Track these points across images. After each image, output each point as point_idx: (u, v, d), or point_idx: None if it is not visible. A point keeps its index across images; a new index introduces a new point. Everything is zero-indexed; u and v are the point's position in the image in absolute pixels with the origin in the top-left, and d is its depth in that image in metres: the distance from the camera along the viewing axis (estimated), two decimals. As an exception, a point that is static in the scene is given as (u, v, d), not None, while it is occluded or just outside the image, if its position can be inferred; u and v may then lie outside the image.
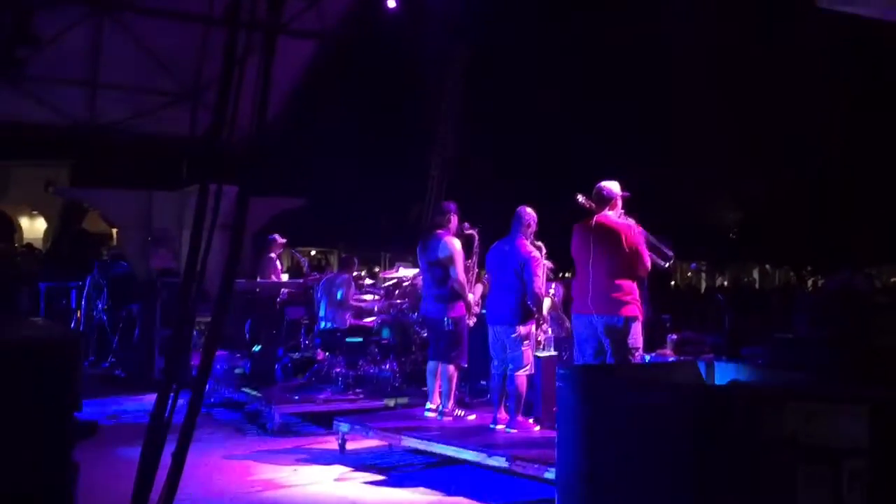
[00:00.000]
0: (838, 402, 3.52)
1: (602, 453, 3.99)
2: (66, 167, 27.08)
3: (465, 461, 7.06)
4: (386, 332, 10.22)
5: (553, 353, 8.11)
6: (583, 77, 24.25)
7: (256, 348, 10.66)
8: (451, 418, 8.02)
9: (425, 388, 8.54)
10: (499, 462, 6.67)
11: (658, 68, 24.05)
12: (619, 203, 7.10)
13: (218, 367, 10.27)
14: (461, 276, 8.00)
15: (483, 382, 8.97)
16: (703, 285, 33.10)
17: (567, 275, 10.71)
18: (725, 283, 34.36)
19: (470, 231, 8.30)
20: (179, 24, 12.22)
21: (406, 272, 10.86)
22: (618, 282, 6.81)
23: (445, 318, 8.04)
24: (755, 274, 37.59)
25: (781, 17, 22.78)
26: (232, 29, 4.02)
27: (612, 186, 7.12)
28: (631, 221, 7.01)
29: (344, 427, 7.86)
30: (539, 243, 7.74)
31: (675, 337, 8.86)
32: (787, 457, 3.44)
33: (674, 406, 3.79)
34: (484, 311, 8.25)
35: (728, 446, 3.53)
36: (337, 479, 7.11)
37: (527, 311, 7.53)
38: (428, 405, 8.22)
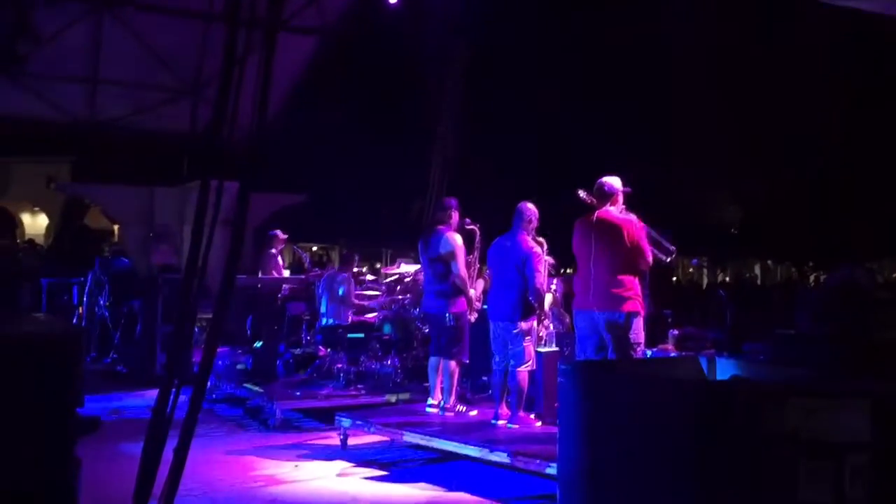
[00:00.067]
0: (840, 398, 3.53)
1: (604, 449, 3.99)
2: (68, 163, 27.10)
3: (466, 457, 7.06)
4: (387, 328, 10.22)
5: (554, 348, 8.10)
6: (583, 75, 24.24)
7: (258, 344, 10.66)
8: (452, 414, 8.02)
9: (427, 384, 8.54)
10: (500, 457, 6.67)
11: (658, 66, 24.05)
12: (621, 198, 7.09)
13: (219, 363, 10.28)
14: (462, 271, 7.99)
15: (484, 378, 8.97)
16: (705, 281, 33.10)
17: (569, 271, 10.72)
18: (727, 278, 34.35)
19: (471, 227, 8.30)
20: (180, 21, 12.22)
21: (407, 268, 10.86)
22: (619, 277, 6.81)
23: (447, 314, 8.04)
24: (756, 269, 37.59)
25: (781, 15, 22.77)
26: (232, 26, 4.02)
27: (614, 182, 7.11)
28: (632, 216, 7.00)
29: (345, 423, 7.87)
30: (540, 239, 7.73)
31: (676, 332, 8.85)
32: (789, 452, 3.44)
33: (675, 401, 3.80)
34: (485, 307, 8.25)
35: (729, 442, 3.53)
36: (338, 475, 7.12)
37: (528, 306, 7.53)
38: (429, 401, 8.22)
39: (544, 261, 7.66)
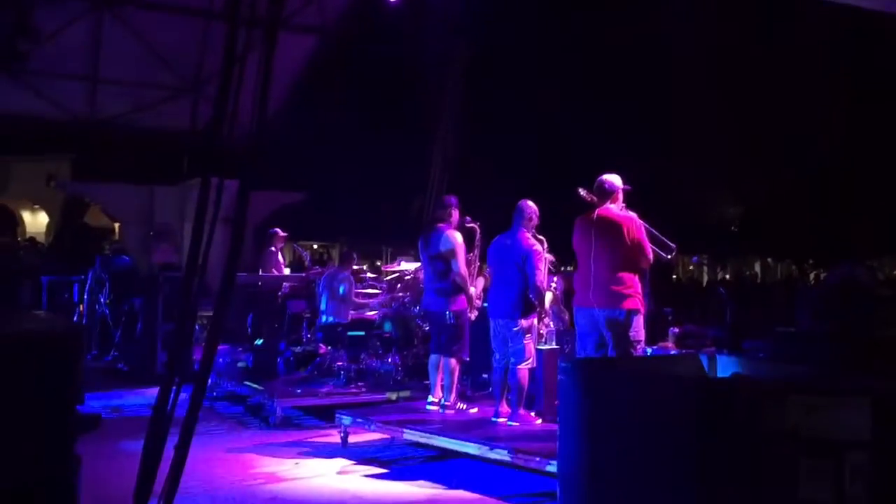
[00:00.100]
0: (840, 395, 3.52)
1: (604, 446, 3.99)
2: (68, 161, 27.08)
3: (466, 454, 7.06)
4: (388, 326, 10.23)
5: (555, 346, 8.11)
6: (583, 74, 24.24)
7: (258, 342, 10.67)
8: (452, 411, 8.03)
9: (427, 382, 8.54)
10: (501, 455, 6.67)
11: (658, 65, 24.04)
12: (621, 196, 7.09)
13: (220, 360, 10.29)
14: (463, 269, 8.00)
15: (485, 376, 8.97)
16: (705, 278, 33.11)
17: (569, 268, 10.71)
18: (727, 276, 34.36)
19: (471, 225, 8.30)
20: (180, 19, 12.22)
21: (408, 266, 10.87)
22: (619, 275, 6.81)
23: (447, 312, 8.05)
24: (757, 267, 37.60)
25: (781, 13, 22.77)
26: (232, 24, 4.02)
27: (614, 180, 7.11)
28: (632, 214, 7.01)
29: (346, 420, 7.87)
30: (540, 237, 7.74)
31: (676, 330, 8.84)
32: (789, 450, 3.44)
33: (676, 399, 3.80)
34: (485, 305, 8.26)
35: (730, 439, 3.53)
36: (339, 472, 7.12)
37: (528, 304, 7.54)
38: (430, 398, 8.22)
39: (544, 258, 7.66)
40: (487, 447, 6.79)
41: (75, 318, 13.43)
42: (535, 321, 7.74)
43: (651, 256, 6.96)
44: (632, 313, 6.81)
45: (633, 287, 6.84)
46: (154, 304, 11.84)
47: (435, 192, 15.91)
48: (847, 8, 7.60)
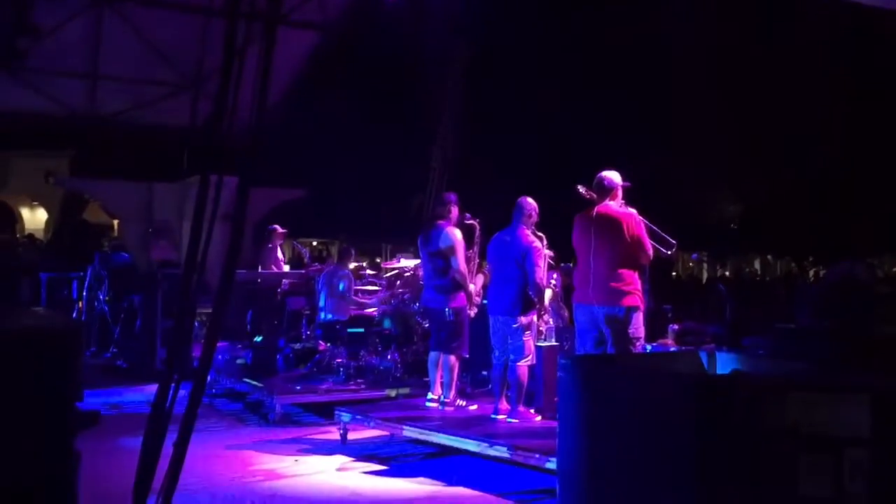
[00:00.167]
0: (840, 392, 3.52)
1: (603, 443, 3.99)
2: (67, 158, 27.07)
3: (466, 451, 7.07)
4: (387, 323, 10.23)
5: (554, 343, 8.11)
6: (583, 72, 24.23)
7: (258, 339, 10.67)
8: (452, 408, 8.03)
9: (427, 379, 8.55)
10: (500, 452, 6.68)
11: (658, 64, 24.04)
12: (620, 193, 7.09)
13: (219, 357, 10.28)
14: (462, 266, 8.00)
15: (484, 373, 8.97)
16: (705, 276, 33.11)
17: (570, 264, 10.71)
18: (727, 273, 34.37)
19: (471, 221, 8.30)
20: (180, 15, 12.18)
21: (407, 263, 10.86)
22: (619, 272, 6.81)
23: (446, 309, 8.05)
24: (756, 264, 37.61)
25: (781, 11, 22.76)
26: (232, 20, 4.02)
27: (613, 177, 7.11)
28: (632, 211, 7.00)
29: (345, 417, 7.87)
30: (540, 233, 7.74)
31: (676, 327, 8.85)
32: (789, 446, 3.44)
33: (675, 396, 3.79)
34: (485, 302, 8.26)
35: (730, 436, 3.53)
36: (338, 469, 7.13)
37: (528, 301, 7.54)
38: (429, 395, 8.23)
39: (544, 255, 7.66)
40: (487, 444, 6.80)
41: (74, 315, 13.43)
42: (535, 318, 7.75)
43: (651, 253, 6.96)
44: (631, 310, 6.81)
45: (633, 284, 6.84)
46: (153, 301, 11.84)
47: (434, 189, 15.92)
48: (847, 6, 7.59)
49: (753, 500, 3.50)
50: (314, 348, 10.44)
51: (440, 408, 8.05)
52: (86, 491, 3.55)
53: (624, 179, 7.14)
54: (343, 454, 7.57)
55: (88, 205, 25.15)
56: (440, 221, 8.12)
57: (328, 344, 10.18)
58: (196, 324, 9.02)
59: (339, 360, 9.87)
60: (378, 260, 22.48)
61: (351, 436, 7.92)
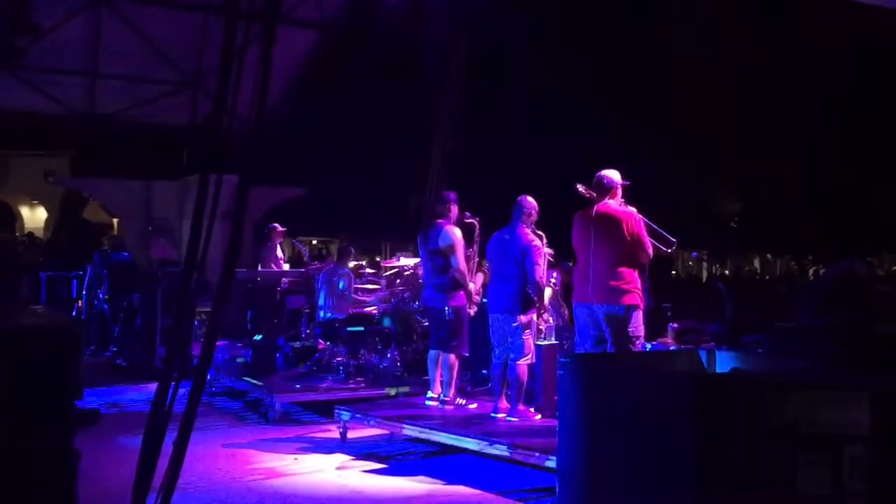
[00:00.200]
0: (839, 390, 3.53)
1: (603, 442, 3.99)
2: (66, 157, 27.08)
3: (466, 450, 7.07)
4: (387, 322, 10.22)
5: (554, 341, 8.11)
6: (583, 69, 24.23)
7: (257, 337, 10.66)
8: (452, 407, 8.04)
9: (426, 377, 8.55)
10: (500, 450, 6.68)
11: (658, 62, 24.03)
12: (620, 192, 7.09)
13: (219, 356, 10.28)
14: (462, 265, 8.00)
15: (484, 371, 8.98)
16: (705, 274, 33.12)
17: (570, 264, 10.71)
18: (727, 272, 34.39)
19: (470, 220, 8.30)
20: (178, 13, 12.20)
21: (407, 261, 10.86)
22: (618, 270, 6.81)
23: (446, 308, 8.05)
24: (756, 263, 37.63)
25: (781, 9, 22.76)
26: (231, 18, 4.01)
27: (613, 175, 7.11)
28: (631, 209, 7.01)
29: (345, 416, 7.87)
30: (540, 232, 7.74)
31: (676, 326, 8.85)
32: (788, 444, 3.44)
33: (675, 395, 3.79)
34: (485, 300, 8.26)
35: (729, 434, 3.53)
36: (338, 468, 7.13)
37: (528, 299, 7.54)
38: (429, 394, 8.23)
39: (544, 254, 7.66)
40: (487, 443, 6.80)
41: (74, 314, 13.42)
42: (535, 317, 7.75)
43: (651, 252, 6.96)
44: (631, 309, 6.81)
45: (633, 283, 6.84)
46: (153, 300, 11.84)
47: (434, 187, 15.91)
48: (847, 5, 7.59)
49: (753, 498, 3.50)
50: (314, 347, 10.44)
51: (440, 406, 8.05)
52: (85, 489, 3.56)
53: (623, 178, 7.14)
54: (343, 453, 7.57)
55: (88, 203, 25.15)
56: (440, 220, 8.12)
57: (328, 342, 10.18)
58: (196, 322, 9.03)
59: (339, 359, 9.87)
60: (378, 258, 22.45)
61: (350, 434, 7.92)
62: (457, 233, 8.05)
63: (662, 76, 24.44)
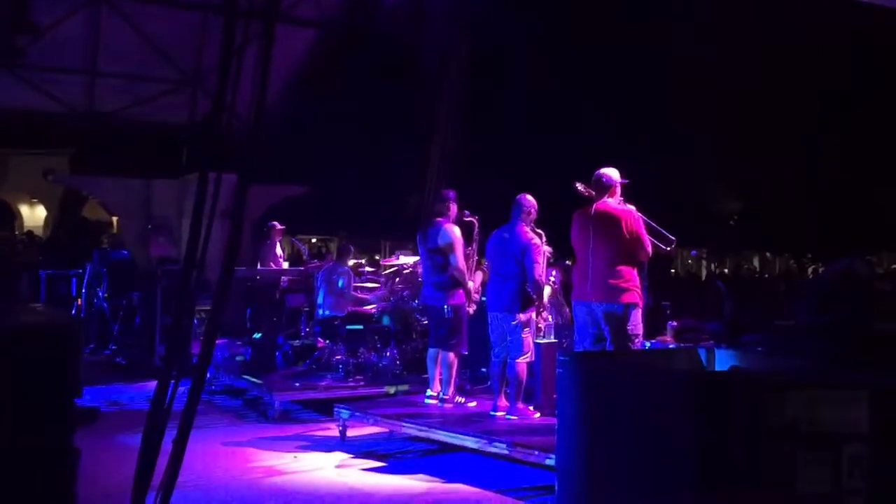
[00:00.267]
0: (838, 389, 3.53)
1: (602, 440, 3.99)
2: (66, 155, 27.07)
3: (465, 448, 7.07)
4: (386, 320, 10.23)
5: (553, 340, 8.11)
6: (583, 67, 24.23)
7: (257, 336, 10.67)
8: (451, 405, 8.04)
9: (426, 376, 8.55)
10: (499, 449, 6.68)
11: (658, 60, 24.03)
12: (619, 190, 7.09)
13: (218, 354, 10.28)
14: (461, 263, 8.00)
15: (483, 370, 8.98)
16: (704, 272, 33.12)
17: (568, 262, 10.72)
18: (726, 270, 34.39)
19: (470, 218, 8.30)
20: (178, 12, 12.18)
21: (406, 260, 10.87)
22: (617, 268, 6.82)
23: (445, 306, 8.05)
24: (755, 261, 37.63)
25: (781, 7, 22.75)
26: (230, 16, 4.01)
27: (612, 174, 7.11)
28: (630, 208, 7.01)
29: (344, 414, 7.87)
30: (539, 230, 7.74)
31: (675, 324, 8.86)
32: (788, 443, 3.44)
33: (674, 393, 3.80)
34: (484, 299, 8.26)
35: (728, 433, 3.53)
36: (337, 466, 7.13)
37: (527, 298, 7.54)
38: (428, 392, 8.23)
39: (543, 252, 7.66)
40: (486, 441, 6.80)
41: (73, 312, 13.41)
42: (534, 315, 7.75)
43: (650, 250, 6.97)
44: (630, 307, 6.81)
45: (632, 281, 6.85)
46: (152, 298, 11.84)
47: (434, 186, 15.91)
48: (847, 4, 7.59)
49: (752, 497, 3.50)
50: (313, 345, 10.44)
51: (439, 404, 8.05)
52: (85, 487, 3.56)
53: (623, 176, 7.14)
54: (342, 451, 7.57)
55: (87, 202, 25.14)
56: (439, 218, 8.12)
57: (327, 341, 10.18)
58: (195, 320, 9.03)
59: (338, 357, 9.87)
60: (377, 257, 22.46)
61: (350, 432, 7.92)
62: (456, 231, 8.05)
63: (662, 76, 24.43)
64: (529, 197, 7.71)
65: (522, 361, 7.54)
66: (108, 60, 12.71)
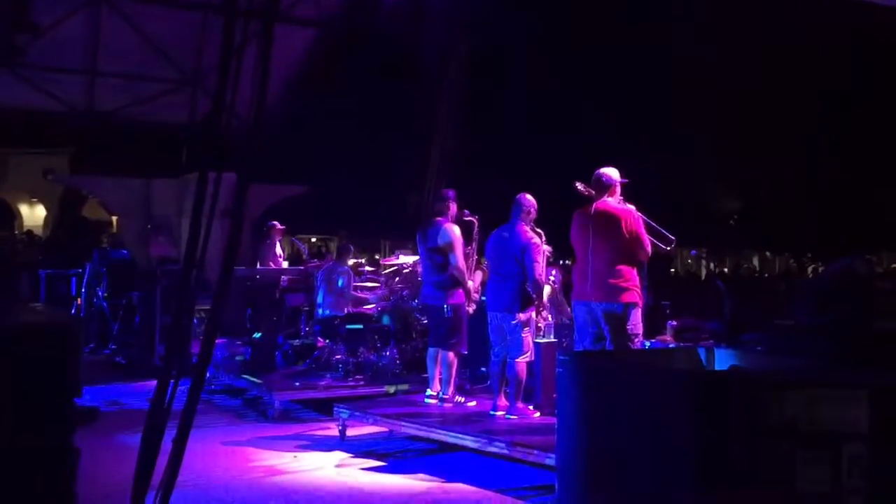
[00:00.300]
0: (838, 388, 3.53)
1: (602, 439, 4.00)
2: (66, 155, 27.08)
3: (465, 448, 7.07)
4: (386, 319, 10.23)
5: (553, 339, 8.11)
6: (583, 66, 24.23)
7: (257, 335, 10.67)
8: (451, 405, 8.04)
9: (425, 375, 8.55)
10: (499, 448, 6.68)
11: (658, 59, 24.03)
12: (619, 189, 7.10)
13: (218, 354, 10.28)
14: (461, 262, 8.00)
15: (483, 369, 8.98)
16: (704, 272, 33.12)
17: (567, 262, 10.72)
18: (725, 269, 34.40)
19: (469, 218, 8.30)
20: (178, 11, 12.19)
21: (406, 259, 10.87)
22: (617, 268, 6.82)
23: (445, 305, 8.05)
24: (755, 261, 37.63)
25: (781, 8, 22.76)
26: (230, 16, 4.02)
27: (612, 173, 7.11)
28: (630, 207, 7.01)
29: (344, 413, 7.87)
30: (539, 230, 7.74)
31: (674, 323, 8.86)
32: (787, 442, 3.44)
33: (674, 392, 3.80)
34: (483, 298, 8.26)
35: (728, 432, 3.53)
36: (337, 466, 7.12)
37: (527, 297, 7.54)
38: (428, 392, 8.23)
39: (543, 252, 7.67)
40: (486, 440, 6.80)
41: (73, 312, 13.41)
42: (534, 314, 7.75)
43: (649, 249, 6.97)
44: (629, 306, 6.81)
45: (631, 280, 6.85)
46: (152, 298, 11.84)
47: (433, 185, 15.92)
48: (847, 3, 7.59)
49: (752, 496, 3.50)
50: (313, 345, 10.44)
51: (439, 404, 8.05)
52: (85, 487, 3.56)
53: (622, 176, 7.14)
54: (342, 450, 7.57)
55: (87, 201, 25.15)
56: (439, 218, 8.12)
57: (327, 340, 10.18)
58: (195, 320, 9.03)
59: (338, 357, 9.87)
60: (377, 256, 22.48)
61: (350, 432, 7.92)
62: (456, 230, 8.05)
63: (662, 76, 24.43)
64: (529, 196, 7.71)
65: (522, 361, 7.54)
66: (107, 60, 12.71)
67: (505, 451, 6.62)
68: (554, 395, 5.32)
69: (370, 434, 8.09)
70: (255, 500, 6.17)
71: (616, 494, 3.93)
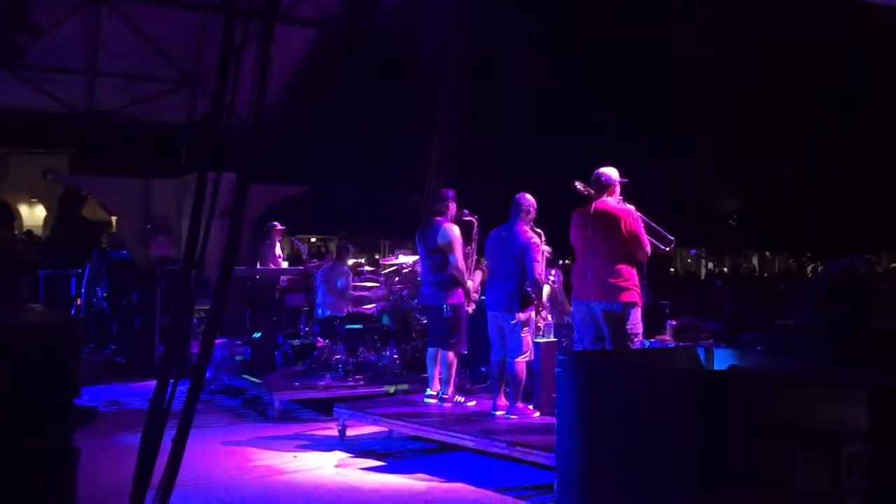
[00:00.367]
0: (838, 388, 3.53)
1: (602, 439, 3.99)
2: (65, 155, 27.09)
3: (464, 447, 7.07)
4: (386, 319, 10.23)
5: (552, 339, 8.11)
6: (583, 65, 24.23)
7: (256, 335, 10.67)
8: (451, 405, 8.04)
9: (425, 375, 8.55)
10: (499, 448, 6.68)
11: (658, 59, 24.03)
12: (618, 189, 7.10)
13: (218, 354, 10.28)
14: (460, 262, 8.00)
15: (483, 369, 8.98)
16: (703, 272, 33.12)
17: (567, 262, 10.72)
18: (725, 269, 34.40)
19: (469, 218, 8.30)
20: (177, 11, 12.19)
21: (405, 259, 10.87)
22: (616, 268, 6.82)
23: (444, 305, 8.05)
24: (755, 261, 37.63)
25: (781, 7, 22.76)
26: (230, 16, 4.01)
27: (611, 173, 7.11)
28: (630, 207, 7.01)
29: (344, 413, 7.88)
30: (538, 229, 7.74)
31: (674, 323, 8.87)
32: (787, 442, 3.44)
33: (673, 392, 3.80)
34: (483, 298, 8.26)
35: (727, 432, 3.53)
36: (337, 465, 7.13)
37: (526, 297, 7.54)
38: (428, 392, 8.23)
39: (542, 251, 7.67)
40: (485, 440, 6.80)
41: (73, 312, 13.41)
42: (533, 314, 7.75)
43: (648, 249, 6.97)
44: (629, 306, 6.81)
45: (631, 280, 6.85)
46: (152, 298, 11.84)
47: (433, 185, 15.92)
48: (847, 3, 7.59)
49: (751, 496, 3.50)
50: (313, 345, 10.44)
51: (439, 404, 8.06)
52: (85, 487, 3.55)
53: (622, 176, 7.14)
54: (342, 450, 7.57)
55: (87, 201, 25.15)
56: (438, 218, 8.12)
57: (327, 340, 10.18)
58: (195, 320, 9.03)
59: (338, 357, 9.87)
60: (376, 256, 22.49)
61: (349, 432, 7.92)
62: (455, 230, 8.05)
63: (662, 76, 24.43)
64: (529, 196, 7.71)
65: (522, 361, 7.54)
66: (107, 60, 12.71)
67: (505, 451, 6.62)
68: (554, 395, 5.32)
69: (370, 434, 8.09)
70: (255, 500, 6.17)
71: (616, 494, 3.93)
